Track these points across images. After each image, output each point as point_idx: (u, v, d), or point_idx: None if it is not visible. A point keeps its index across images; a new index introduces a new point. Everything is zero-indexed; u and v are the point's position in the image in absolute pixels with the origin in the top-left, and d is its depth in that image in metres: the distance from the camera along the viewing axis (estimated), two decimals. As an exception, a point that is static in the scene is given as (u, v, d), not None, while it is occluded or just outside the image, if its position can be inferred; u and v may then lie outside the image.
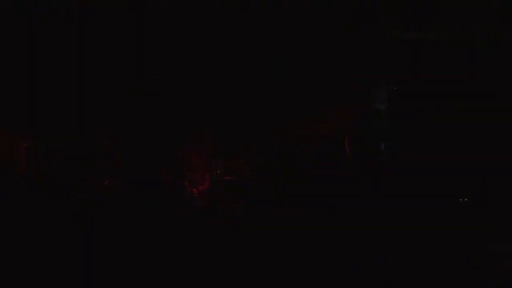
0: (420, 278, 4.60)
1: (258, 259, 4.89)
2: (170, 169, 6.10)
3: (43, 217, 5.41)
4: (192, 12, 5.80)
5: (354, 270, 4.72)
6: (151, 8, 5.72)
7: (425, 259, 4.79)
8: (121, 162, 6.09)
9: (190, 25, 5.98)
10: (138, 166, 6.09)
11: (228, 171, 6.19)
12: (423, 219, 5.29)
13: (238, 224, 5.49)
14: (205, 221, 5.56)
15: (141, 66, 6.24)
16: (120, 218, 5.41)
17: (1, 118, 6.00)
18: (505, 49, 5.91)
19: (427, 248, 4.91)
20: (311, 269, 4.76)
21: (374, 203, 5.48)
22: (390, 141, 5.81)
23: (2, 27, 5.78)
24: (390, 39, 6.08)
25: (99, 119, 6.23)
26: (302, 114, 6.24)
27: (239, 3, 5.69)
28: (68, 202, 5.63)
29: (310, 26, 6.01)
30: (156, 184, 5.93)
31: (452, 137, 5.82)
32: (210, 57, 6.21)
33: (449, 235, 5.06)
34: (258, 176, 6.10)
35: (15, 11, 5.65)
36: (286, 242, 5.12)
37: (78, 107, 6.13)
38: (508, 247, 4.72)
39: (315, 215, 5.49)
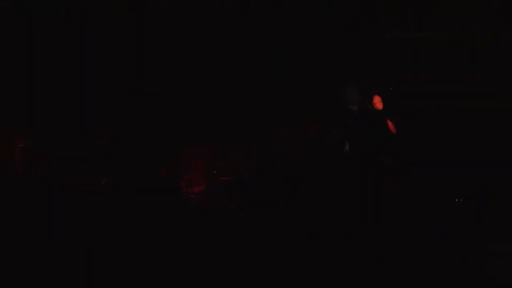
0: (420, 278, 4.59)
1: (258, 259, 4.88)
2: (170, 169, 6.10)
3: (41, 218, 5.40)
4: (192, 12, 5.80)
5: (354, 270, 4.71)
6: (151, 8, 5.72)
7: (425, 259, 4.78)
8: (121, 162, 6.09)
9: (190, 25, 5.98)
10: (138, 166, 6.09)
11: (226, 172, 6.19)
12: (423, 219, 5.28)
13: (237, 224, 5.49)
14: (204, 221, 5.56)
15: (141, 66, 6.24)
16: (119, 218, 5.41)
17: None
18: (505, 49, 5.91)
19: (427, 248, 4.90)
20: (311, 269, 4.75)
21: (374, 203, 5.47)
22: (389, 141, 5.80)
23: (2, 27, 5.79)
24: (390, 39, 6.08)
25: (99, 119, 6.24)
26: (302, 114, 6.24)
27: (239, 3, 5.69)
28: (67, 202, 5.62)
29: (310, 26, 6.01)
30: (155, 184, 5.93)
31: (452, 137, 5.81)
32: (210, 58, 6.22)
33: (449, 235, 5.05)
34: (258, 176, 6.10)
35: (15, 11, 5.65)
36: (286, 242, 5.12)
37: (77, 107, 6.14)
38: (508, 247, 4.71)
39: (315, 215, 5.49)
